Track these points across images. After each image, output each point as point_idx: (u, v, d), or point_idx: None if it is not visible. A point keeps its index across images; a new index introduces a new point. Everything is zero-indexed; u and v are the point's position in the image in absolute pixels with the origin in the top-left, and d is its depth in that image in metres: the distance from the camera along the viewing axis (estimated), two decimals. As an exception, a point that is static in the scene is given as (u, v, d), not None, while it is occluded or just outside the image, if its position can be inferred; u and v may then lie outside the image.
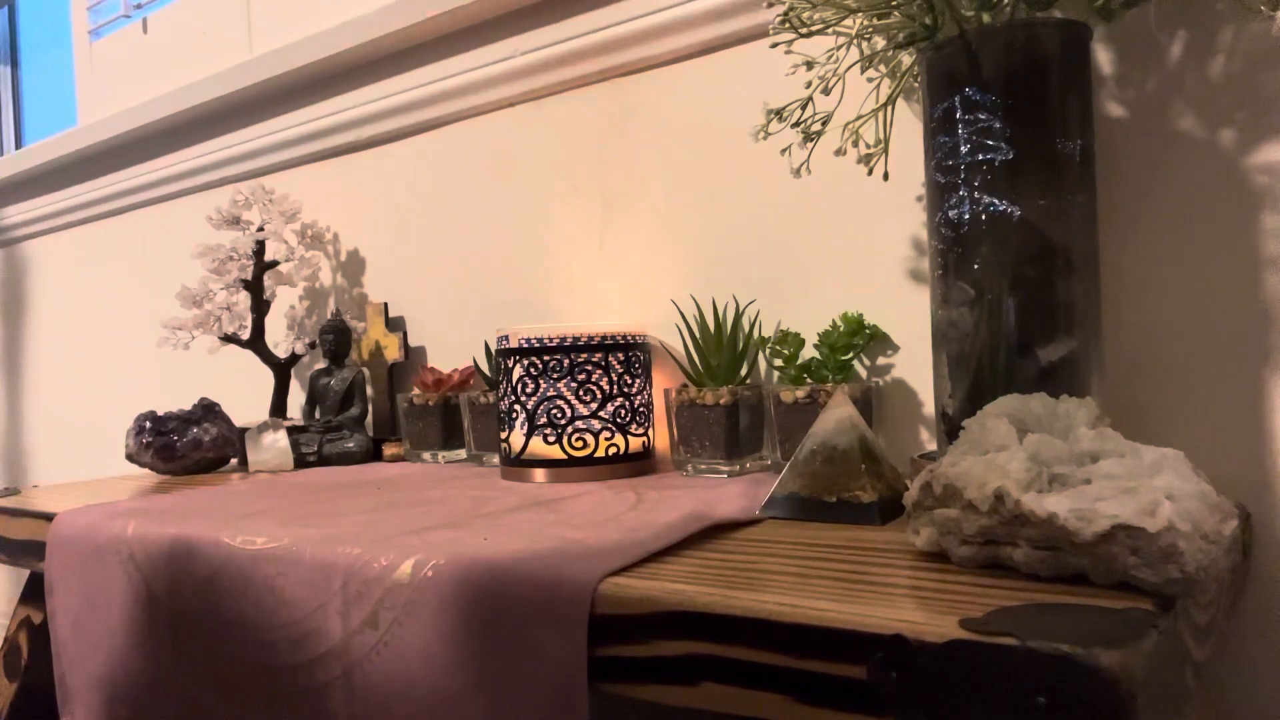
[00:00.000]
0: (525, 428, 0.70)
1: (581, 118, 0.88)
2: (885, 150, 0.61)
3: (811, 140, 0.61)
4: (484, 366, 0.87)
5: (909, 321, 0.68)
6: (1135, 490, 0.36)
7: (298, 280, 1.06)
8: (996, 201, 0.50)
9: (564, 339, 0.70)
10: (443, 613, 0.41)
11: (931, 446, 0.68)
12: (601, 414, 0.70)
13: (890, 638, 0.31)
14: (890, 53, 0.59)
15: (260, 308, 1.02)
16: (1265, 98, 0.56)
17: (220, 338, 1.01)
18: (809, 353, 0.69)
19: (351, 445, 0.91)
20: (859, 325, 0.67)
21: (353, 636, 0.44)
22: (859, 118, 0.61)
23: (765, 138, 0.61)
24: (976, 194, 0.51)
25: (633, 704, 0.38)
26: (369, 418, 0.97)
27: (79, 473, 1.35)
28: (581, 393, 0.70)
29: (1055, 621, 0.31)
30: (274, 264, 1.03)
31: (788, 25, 0.55)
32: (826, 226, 0.73)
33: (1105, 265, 0.56)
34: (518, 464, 0.71)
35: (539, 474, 0.70)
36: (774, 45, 0.57)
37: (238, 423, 0.93)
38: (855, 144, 0.61)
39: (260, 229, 1.02)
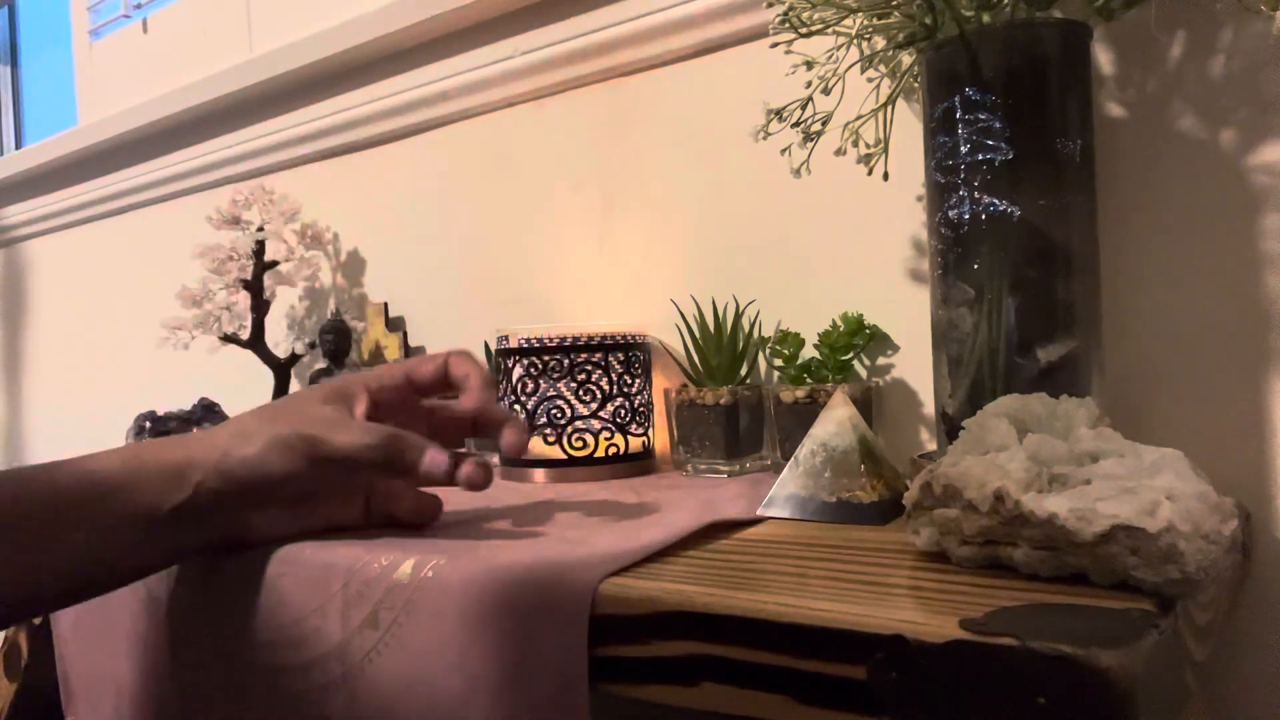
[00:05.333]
0: (525, 428, 0.70)
1: (581, 118, 0.88)
2: (885, 150, 0.61)
3: (811, 140, 0.61)
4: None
5: (909, 321, 0.68)
6: (1135, 490, 0.36)
7: (298, 280, 1.06)
8: (996, 201, 0.50)
9: (564, 339, 0.70)
10: (443, 613, 0.41)
11: (931, 446, 0.68)
12: (601, 414, 0.70)
13: (890, 638, 0.31)
14: (890, 53, 0.59)
15: (260, 308, 1.02)
16: (1265, 98, 0.56)
17: (220, 338, 1.01)
18: (809, 353, 0.69)
19: (351, 445, 0.91)
20: (859, 325, 0.67)
21: (353, 637, 0.44)
22: (859, 118, 0.61)
23: (765, 138, 0.61)
24: (976, 194, 0.51)
25: (633, 704, 0.38)
26: (369, 418, 0.97)
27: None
28: (581, 393, 0.70)
29: (1055, 621, 0.31)
30: (274, 264, 1.03)
31: (788, 25, 0.55)
32: (826, 226, 0.73)
33: (1105, 265, 0.56)
34: (518, 464, 0.71)
35: (539, 474, 0.70)
36: (774, 45, 0.57)
37: (238, 423, 0.93)
38: (855, 144, 0.61)
39: (260, 229, 1.02)
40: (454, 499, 0.63)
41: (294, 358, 1.04)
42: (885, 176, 0.62)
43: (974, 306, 0.51)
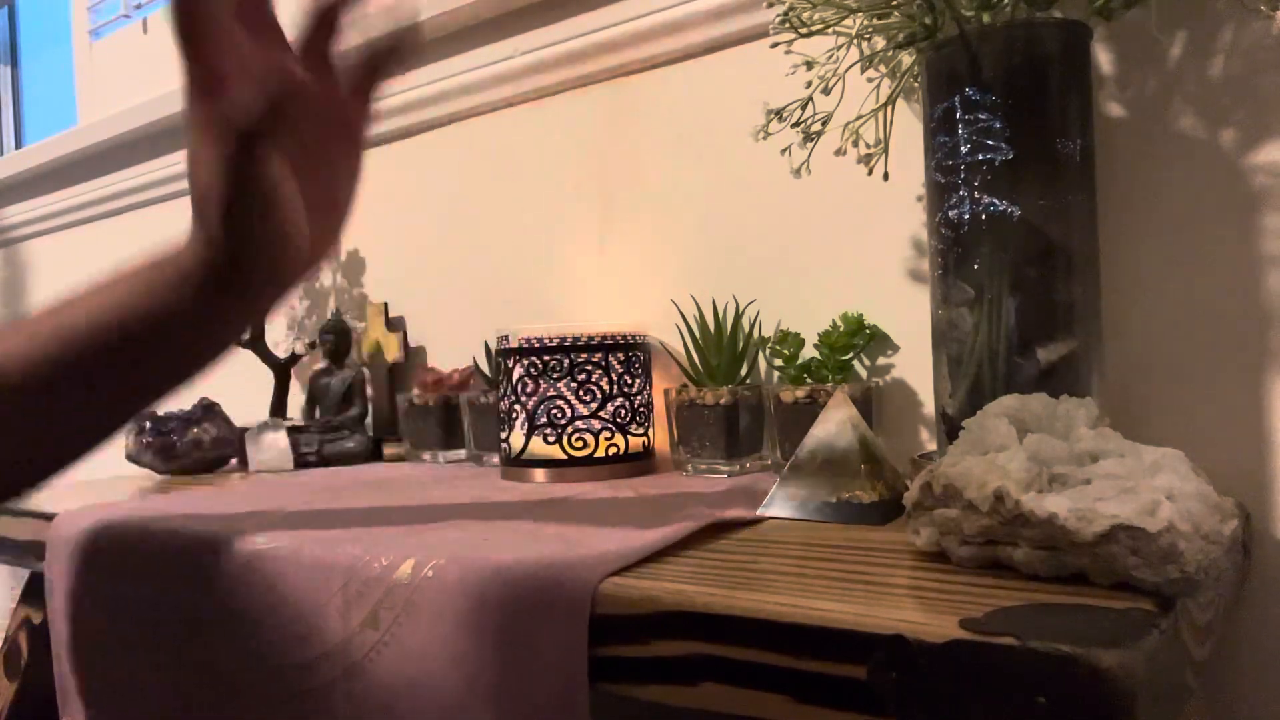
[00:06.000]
0: (525, 428, 0.70)
1: (581, 118, 0.88)
2: (885, 150, 0.61)
3: (811, 140, 0.61)
4: (484, 366, 0.87)
5: (909, 321, 0.68)
6: (1135, 490, 0.36)
7: (298, 280, 1.06)
8: (996, 201, 0.50)
9: (564, 339, 0.70)
10: (442, 613, 0.41)
11: (931, 446, 0.68)
12: (601, 414, 0.70)
13: (890, 638, 0.31)
14: (890, 53, 0.59)
15: (260, 308, 1.02)
16: (1265, 98, 0.56)
17: (220, 338, 1.01)
18: (809, 353, 0.69)
19: (351, 445, 0.91)
20: (859, 325, 0.67)
21: (353, 637, 0.44)
22: (859, 118, 0.61)
23: (765, 138, 0.61)
24: (976, 194, 0.51)
25: (633, 704, 0.38)
26: (369, 418, 0.97)
27: (79, 473, 1.35)
28: (581, 393, 0.70)
29: (1055, 621, 0.31)
30: (274, 264, 1.03)
31: (788, 25, 0.55)
32: (826, 226, 0.73)
33: (1105, 265, 0.56)
34: (518, 464, 0.71)
35: (539, 474, 0.70)
36: (774, 45, 0.57)
37: (238, 423, 0.93)
38: (855, 144, 0.61)
39: (260, 229, 1.01)
40: (455, 500, 0.63)
41: (294, 358, 1.04)
42: (885, 176, 0.62)
43: (974, 306, 0.51)
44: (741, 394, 0.67)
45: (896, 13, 0.55)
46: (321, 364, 0.98)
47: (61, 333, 0.42)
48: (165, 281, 0.42)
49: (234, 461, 0.94)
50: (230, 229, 0.40)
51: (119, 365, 0.43)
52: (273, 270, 0.43)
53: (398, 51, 0.44)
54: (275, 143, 0.40)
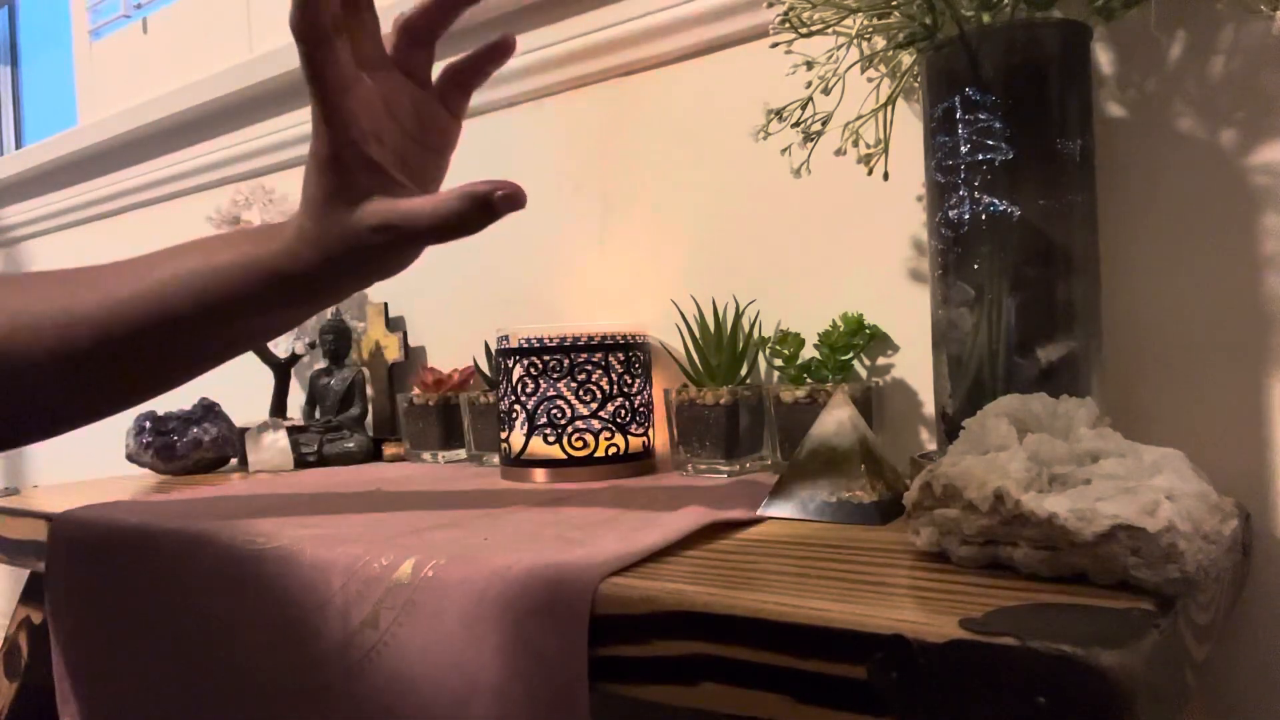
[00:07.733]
0: (525, 428, 0.70)
1: (581, 118, 0.88)
2: (885, 150, 0.61)
3: (811, 140, 0.61)
4: (484, 366, 0.87)
5: (909, 321, 0.68)
6: (1135, 490, 0.36)
7: (298, 280, 1.05)
8: (996, 201, 0.50)
9: (564, 339, 0.70)
10: (443, 613, 0.41)
11: (931, 446, 0.68)
12: (601, 414, 0.70)
13: (890, 638, 0.31)
14: (890, 53, 0.59)
15: (260, 308, 1.02)
16: (1265, 98, 0.56)
17: (220, 338, 1.01)
18: (809, 353, 0.69)
19: (351, 445, 0.91)
20: (859, 325, 0.67)
21: (353, 636, 0.44)
22: (859, 118, 0.61)
23: (765, 138, 0.61)
24: (976, 194, 0.51)
25: (633, 704, 0.38)
26: (369, 418, 0.97)
27: (79, 473, 1.35)
28: (581, 393, 0.70)
29: (1055, 621, 0.31)
30: (274, 264, 1.03)
31: (788, 25, 0.55)
32: (826, 226, 0.73)
33: (1105, 265, 0.56)
34: (518, 464, 0.71)
35: (539, 474, 0.70)
36: (774, 45, 0.57)
37: (238, 423, 0.93)
38: (855, 144, 0.61)
39: (260, 229, 1.01)
40: (455, 500, 0.63)
41: (294, 358, 1.04)
42: (885, 176, 0.62)
43: (974, 306, 0.51)
44: (741, 394, 0.67)
45: (896, 13, 0.55)
46: (321, 364, 0.98)
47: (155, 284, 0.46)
48: (259, 274, 0.46)
49: (234, 461, 0.94)
50: (360, 273, 0.48)
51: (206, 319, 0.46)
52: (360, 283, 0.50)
53: (490, 63, 0.50)
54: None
